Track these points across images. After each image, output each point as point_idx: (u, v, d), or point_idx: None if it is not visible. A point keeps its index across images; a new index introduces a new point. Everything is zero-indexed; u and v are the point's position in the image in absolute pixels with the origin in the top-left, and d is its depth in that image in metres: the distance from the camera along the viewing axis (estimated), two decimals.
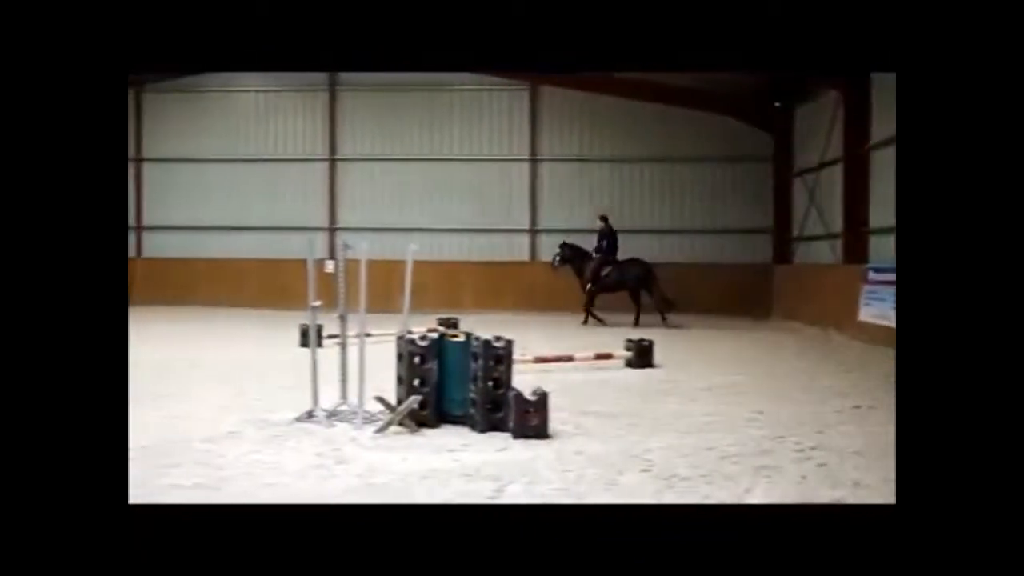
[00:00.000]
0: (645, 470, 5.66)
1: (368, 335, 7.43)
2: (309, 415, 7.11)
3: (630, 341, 11.03)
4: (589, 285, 17.79)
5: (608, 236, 18.05)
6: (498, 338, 6.93)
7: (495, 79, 21.77)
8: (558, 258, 18.19)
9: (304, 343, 11.65)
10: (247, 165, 22.86)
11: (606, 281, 17.80)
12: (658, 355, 11.13)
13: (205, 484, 5.26)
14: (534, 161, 22.09)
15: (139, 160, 23.14)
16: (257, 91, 22.90)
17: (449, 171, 22.38)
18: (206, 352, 12.49)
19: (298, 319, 12.71)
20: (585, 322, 17.24)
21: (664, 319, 17.30)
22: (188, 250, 22.51)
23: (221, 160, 22.91)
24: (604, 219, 18.45)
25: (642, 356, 10.77)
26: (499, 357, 6.79)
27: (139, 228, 23.23)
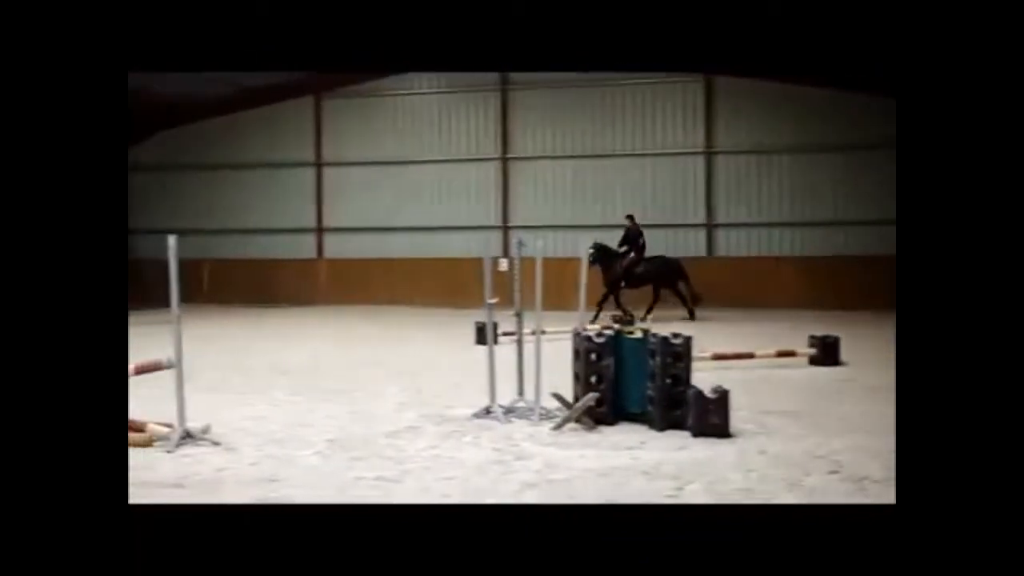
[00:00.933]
0: (833, 471, 5.47)
1: (543, 332, 7.49)
2: (487, 411, 7.24)
3: (814, 338, 10.66)
4: (621, 282, 17.72)
5: (637, 235, 17.70)
6: (676, 335, 6.84)
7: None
8: (591, 258, 17.03)
9: (480, 340, 11.88)
10: (421, 166, 23.40)
11: (635, 277, 17.74)
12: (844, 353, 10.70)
13: (387, 477, 5.45)
14: (709, 154, 21.64)
15: (319, 164, 24.05)
16: (430, 94, 23.35)
17: (622, 167, 22.22)
18: (385, 350, 12.91)
19: (473, 317, 12.96)
20: (594, 320, 16.50)
21: (692, 314, 17.29)
22: (366, 251, 23.27)
23: (397, 162, 23.52)
24: (631, 218, 18.12)
25: (828, 353, 10.40)
26: (678, 354, 6.71)
27: (319, 230, 24.14)
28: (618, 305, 17.23)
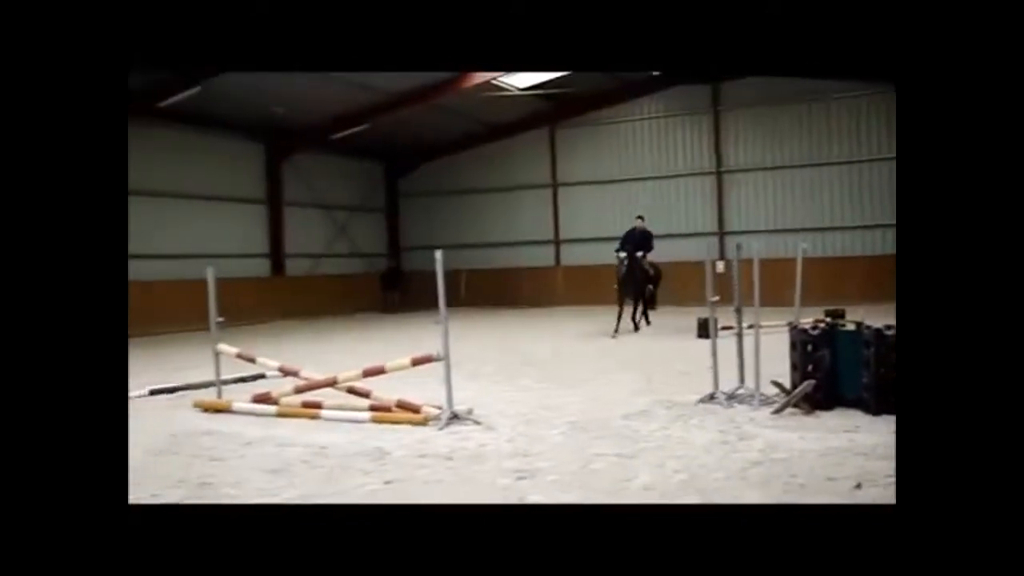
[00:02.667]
0: None
1: (761, 326, 7.29)
2: (711, 397, 7.13)
3: None
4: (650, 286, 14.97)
5: (648, 236, 15.32)
6: (889, 327, 6.47)
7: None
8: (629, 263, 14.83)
9: (701, 334, 11.77)
10: (642, 183, 23.54)
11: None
12: None
13: (624, 454, 5.48)
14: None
15: (554, 185, 24.68)
16: (648, 119, 23.57)
17: (828, 174, 21.34)
18: (614, 344, 12.98)
19: (694, 314, 12.79)
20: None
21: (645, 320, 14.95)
22: (596, 257, 23.48)
23: (620, 180, 23.82)
24: (641, 218, 15.61)
25: None
26: (892, 345, 6.34)
27: (556, 241, 24.77)
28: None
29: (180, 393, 8.75)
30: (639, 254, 14.36)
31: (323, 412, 7.28)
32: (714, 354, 7.27)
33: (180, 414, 7.92)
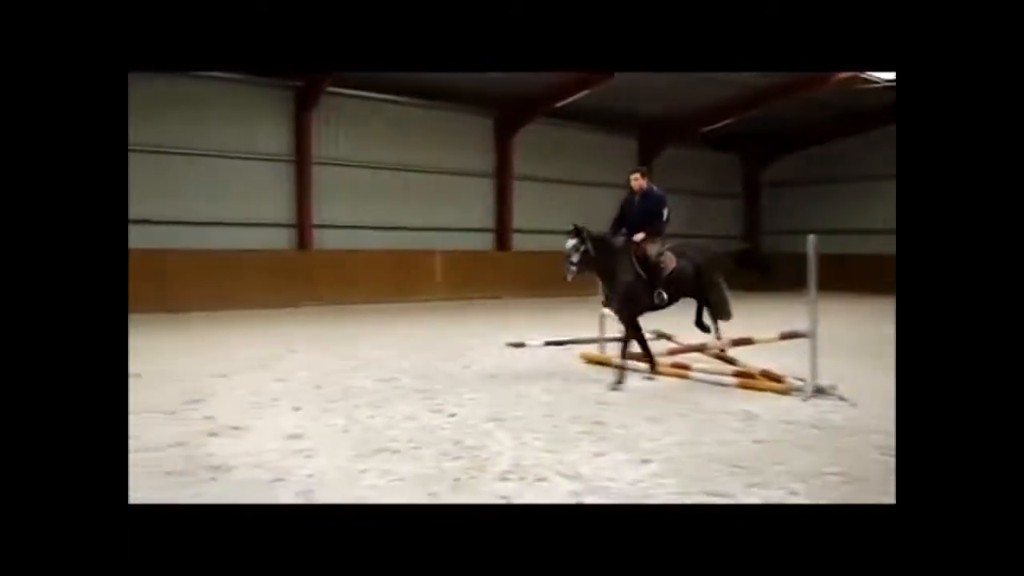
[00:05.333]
0: None
1: None
2: None
3: None
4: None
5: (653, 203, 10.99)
6: None
7: None
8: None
9: None
10: None
11: None
12: None
13: None
14: None
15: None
16: None
17: None
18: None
19: None
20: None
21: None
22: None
23: None
24: (641, 174, 11.22)
25: None
26: None
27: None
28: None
29: (568, 346, 9.32)
30: (638, 237, 7.80)
31: (691, 373, 7.37)
32: None
33: (570, 362, 8.47)
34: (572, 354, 8.97)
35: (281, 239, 18.60)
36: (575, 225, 7.66)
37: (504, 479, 4.46)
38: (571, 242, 7.61)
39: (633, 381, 7.48)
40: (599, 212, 23.42)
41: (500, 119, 21.99)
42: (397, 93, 19.61)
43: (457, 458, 4.92)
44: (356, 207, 19.65)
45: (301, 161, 18.60)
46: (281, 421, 5.98)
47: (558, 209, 20.22)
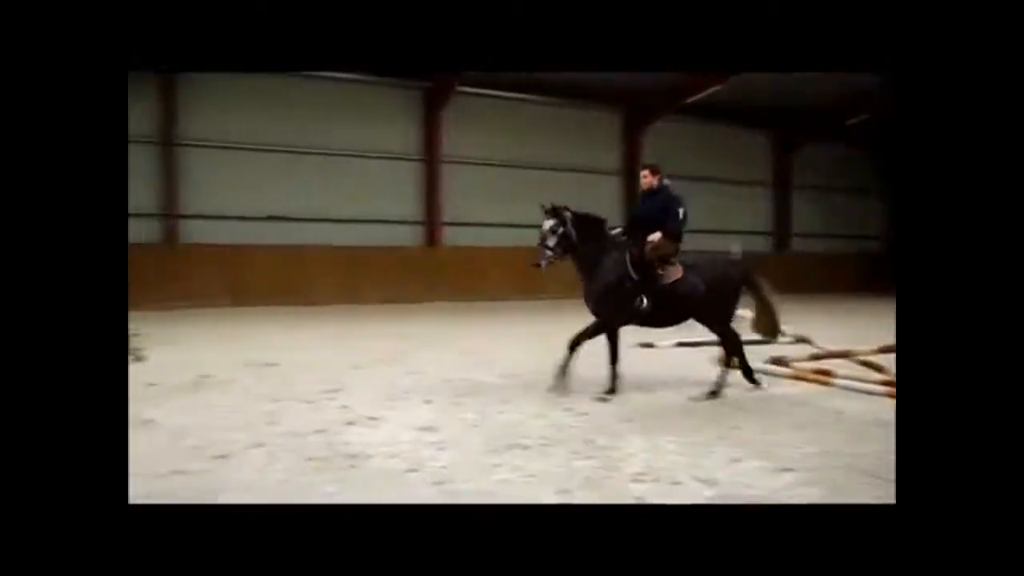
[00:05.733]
0: None
1: None
2: None
3: None
4: None
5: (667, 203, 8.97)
6: None
7: None
8: None
9: None
10: None
11: None
12: None
13: None
14: None
15: None
16: None
17: None
18: None
19: None
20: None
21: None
22: None
23: None
24: (650, 172, 8.06)
25: None
26: None
27: None
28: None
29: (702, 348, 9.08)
30: (652, 238, 6.80)
31: (835, 380, 7.03)
32: None
33: (703, 365, 8.26)
34: (706, 356, 8.75)
35: (410, 236, 19.16)
36: (552, 205, 6.70)
37: (637, 480, 4.40)
38: (548, 223, 6.65)
39: (772, 389, 7.18)
40: (732, 210, 22.97)
41: (628, 115, 21.91)
42: (525, 91, 19.81)
43: (589, 457, 4.88)
44: (484, 204, 20.04)
45: (431, 159, 19.09)
46: (414, 413, 6.10)
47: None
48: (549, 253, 6.59)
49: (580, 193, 21.10)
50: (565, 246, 6.65)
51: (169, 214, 16.69)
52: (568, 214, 6.65)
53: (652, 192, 7.00)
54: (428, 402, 6.53)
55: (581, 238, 6.70)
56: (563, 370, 6.77)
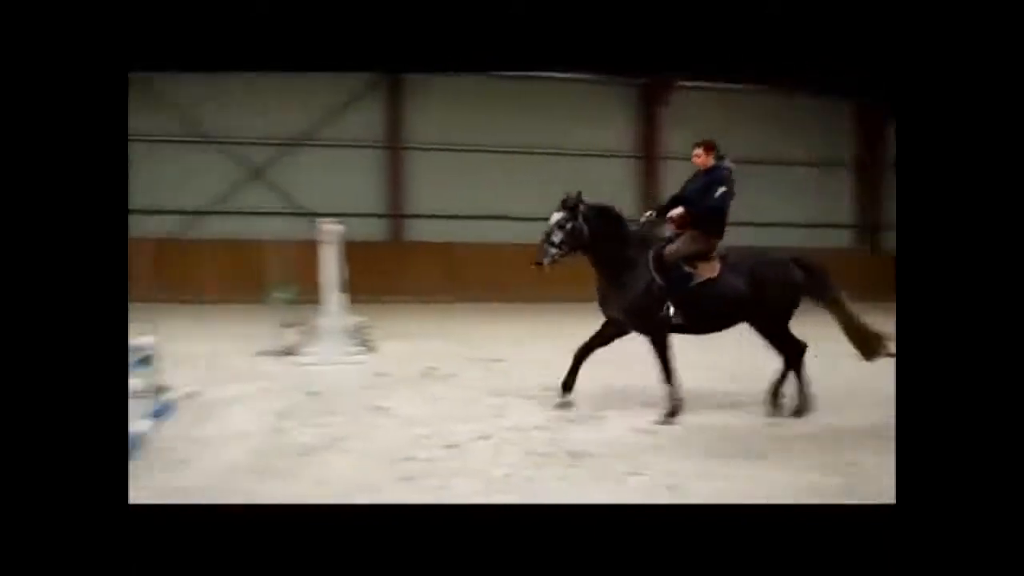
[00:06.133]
0: None
1: None
2: None
3: None
4: None
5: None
6: None
7: None
8: None
9: None
10: None
11: None
12: None
13: None
14: None
15: None
16: None
17: None
18: None
19: None
20: None
21: None
22: None
23: None
24: (706, 148, 6.15)
25: None
26: None
27: None
28: None
29: None
30: (673, 212, 6.03)
31: None
32: None
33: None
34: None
35: None
36: (566, 195, 5.89)
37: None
38: (557, 215, 5.87)
39: None
40: (799, 198, 20.00)
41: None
42: (741, 82, 18.87)
43: (831, 473, 4.60)
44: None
45: (649, 157, 18.79)
46: (635, 414, 5.97)
47: None
48: (553, 251, 5.81)
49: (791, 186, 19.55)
50: (575, 242, 5.86)
51: (394, 214, 17.76)
52: (581, 207, 5.88)
53: (707, 172, 6.00)
54: (648, 405, 6.25)
55: (595, 233, 5.89)
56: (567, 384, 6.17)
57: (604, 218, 5.96)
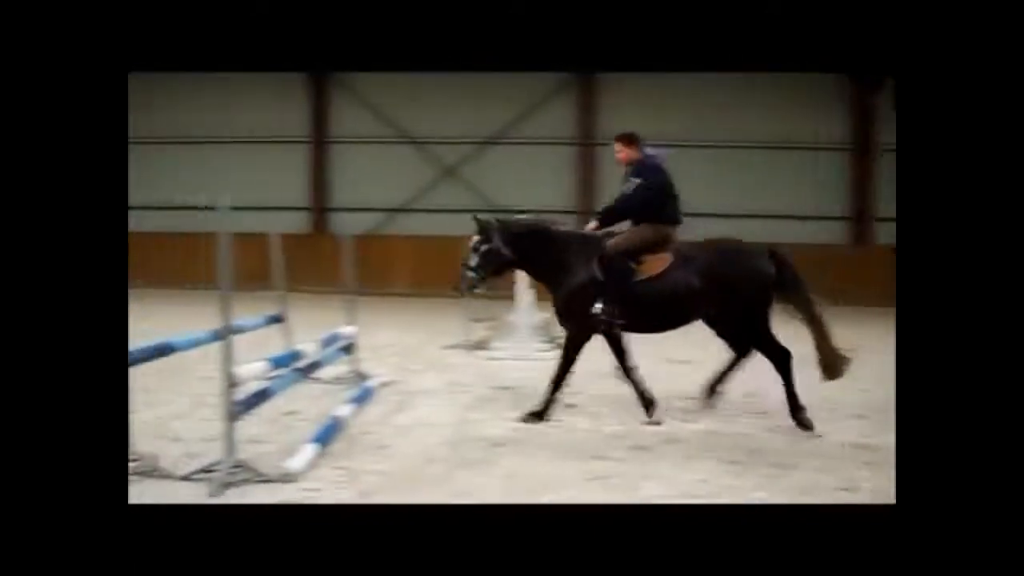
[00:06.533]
0: None
1: None
2: None
3: None
4: None
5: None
6: None
7: None
8: None
9: None
10: None
11: None
12: None
13: None
14: None
15: None
16: None
17: None
18: None
19: None
20: None
21: None
22: None
23: None
24: (628, 140, 5.86)
25: None
26: None
27: None
28: None
29: None
30: (589, 226, 5.84)
31: None
32: None
33: None
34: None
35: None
36: (475, 218, 5.76)
37: None
38: (473, 239, 5.73)
39: None
40: (783, 185, 16.95)
41: None
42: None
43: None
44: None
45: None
46: (844, 426, 5.67)
47: None
48: (471, 274, 5.69)
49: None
50: (495, 262, 5.72)
51: (584, 211, 17.77)
52: (496, 228, 5.70)
53: (635, 169, 5.68)
54: (861, 417, 5.95)
55: (520, 247, 5.71)
56: (637, 393, 5.73)
57: (531, 235, 5.79)
